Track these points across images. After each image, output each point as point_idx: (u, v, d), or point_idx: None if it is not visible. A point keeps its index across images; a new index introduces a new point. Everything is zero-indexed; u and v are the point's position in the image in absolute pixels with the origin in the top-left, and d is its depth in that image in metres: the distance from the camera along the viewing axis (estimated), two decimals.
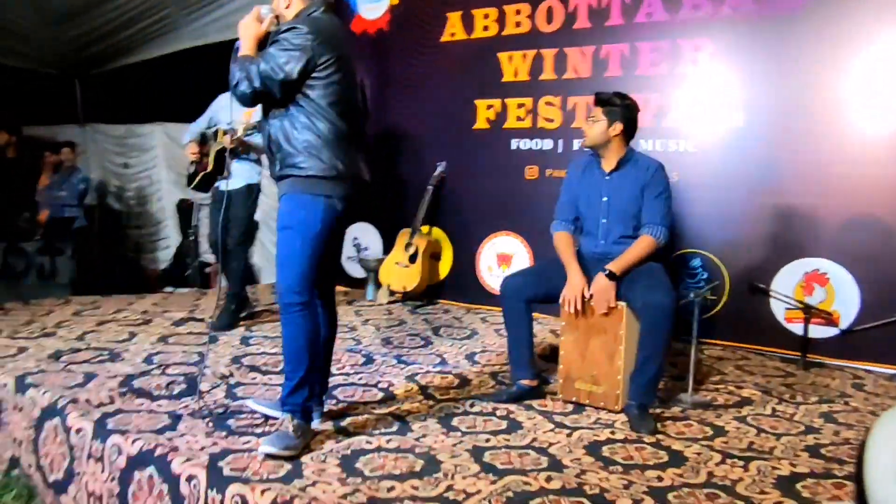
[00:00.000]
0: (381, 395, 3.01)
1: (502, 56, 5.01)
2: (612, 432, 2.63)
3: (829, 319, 3.90)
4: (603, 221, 3.04)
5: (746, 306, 4.15)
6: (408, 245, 5.19)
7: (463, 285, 5.27)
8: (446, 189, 5.33)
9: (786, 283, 4.02)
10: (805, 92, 3.98)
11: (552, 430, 2.63)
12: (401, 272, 5.19)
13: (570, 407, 2.93)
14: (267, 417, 2.61)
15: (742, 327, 4.14)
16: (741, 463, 2.36)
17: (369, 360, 3.55)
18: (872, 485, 1.25)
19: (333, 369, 2.97)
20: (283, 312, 2.42)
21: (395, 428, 2.60)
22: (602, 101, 3.07)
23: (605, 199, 3.05)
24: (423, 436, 2.52)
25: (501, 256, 5.13)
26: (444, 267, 5.36)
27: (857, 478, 1.76)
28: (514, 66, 4.97)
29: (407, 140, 5.58)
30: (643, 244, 2.91)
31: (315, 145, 2.38)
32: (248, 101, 2.39)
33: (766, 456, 2.45)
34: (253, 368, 3.28)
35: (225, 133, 4.03)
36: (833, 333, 3.92)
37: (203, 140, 4.22)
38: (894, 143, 3.74)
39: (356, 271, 5.84)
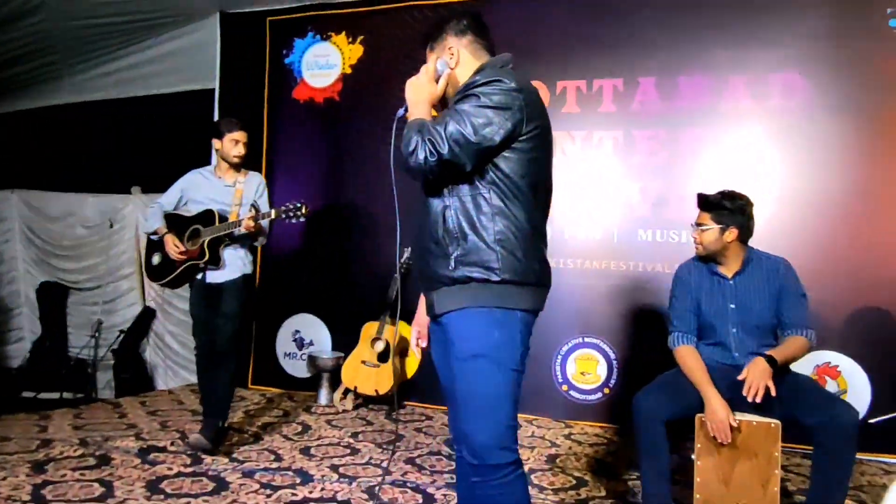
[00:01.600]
0: None
1: None
2: None
3: None
4: (733, 331, 2.76)
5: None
6: (375, 340, 4.57)
7: (435, 385, 4.70)
8: (412, 277, 4.81)
9: None
10: (810, 181, 4.05)
11: None
12: (370, 373, 4.54)
13: None
14: None
15: None
16: None
17: (429, 497, 2.92)
18: None
19: None
20: (487, 478, 1.79)
21: None
22: (709, 204, 2.81)
23: (731, 306, 2.77)
24: None
25: None
26: (412, 364, 4.78)
27: None
28: None
29: (363, 222, 5.00)
30: (799, 344, 2.65)
31: (511, 239, 1.83)
32: (431, 172, 1.79)
33: None
34: None
35: (222, 217, 3.28)
36: None
37: (176, 224, 3.40)
38: None
39: (297, 370, 5.06)
